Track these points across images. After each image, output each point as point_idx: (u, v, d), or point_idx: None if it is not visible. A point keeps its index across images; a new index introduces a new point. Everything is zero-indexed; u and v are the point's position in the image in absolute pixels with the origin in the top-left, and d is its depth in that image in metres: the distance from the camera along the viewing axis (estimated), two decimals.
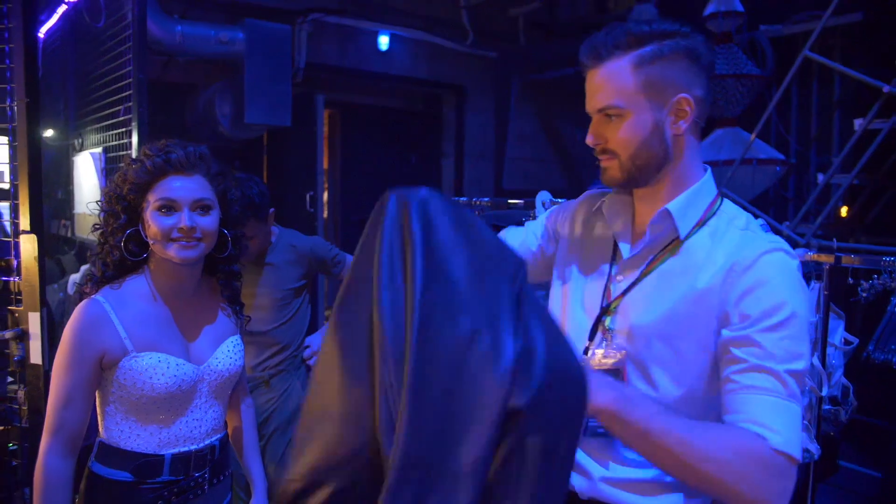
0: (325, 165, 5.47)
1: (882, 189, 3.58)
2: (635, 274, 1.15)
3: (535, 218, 2.64)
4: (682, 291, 1.09)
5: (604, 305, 1.17)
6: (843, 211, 4.43)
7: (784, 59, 4.85)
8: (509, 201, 2.91)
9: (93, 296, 1.37)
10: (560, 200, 2.67)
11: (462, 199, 3.13)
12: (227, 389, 1.50)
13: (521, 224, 2.62)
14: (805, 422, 1.76)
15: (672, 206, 1.11)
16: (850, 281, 1.85)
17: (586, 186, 5.77)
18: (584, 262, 1.25)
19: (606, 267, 1.20)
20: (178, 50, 4.20)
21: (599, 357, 1.14)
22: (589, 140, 1.15)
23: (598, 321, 1.17)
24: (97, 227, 1.43)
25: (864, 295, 1.74)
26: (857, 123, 3.18)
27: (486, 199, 2.99)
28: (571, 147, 6.81)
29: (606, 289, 1.18)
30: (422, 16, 5.69)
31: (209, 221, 1.39)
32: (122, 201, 1.38)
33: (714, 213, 1.14)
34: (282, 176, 5.22)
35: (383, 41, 5.51)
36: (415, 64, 5.79)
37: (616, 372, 1.12)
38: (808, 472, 1.91)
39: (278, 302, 2.25)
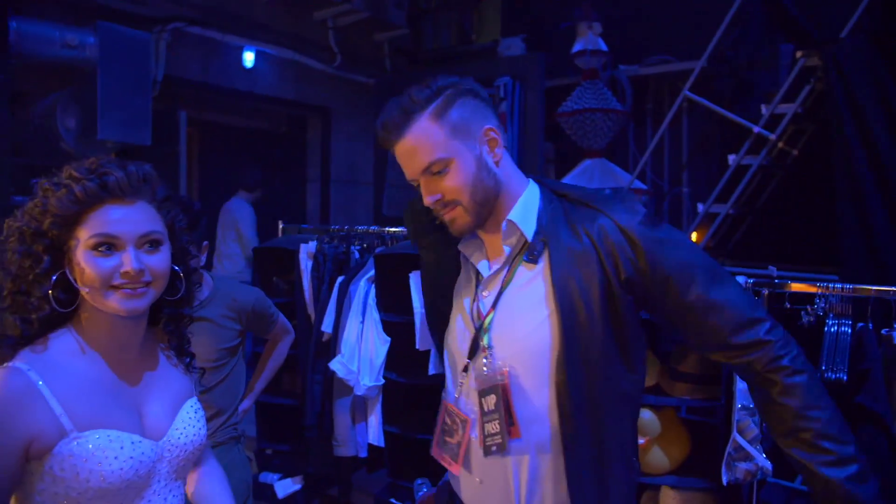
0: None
1: (741, 217, 3.98)
2: (497, 287, 1.21)
3: None
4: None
5: (477, 326, 1.22)
6: (694, 236, 4.85)
7: (639, 95, 5.26)
8: None
9: (10, 363, 1.01)
10: None
11: (372, 227, 2.94)
12: (188, 467, 1.18)
13: None
14: (759, 442, 1.81)
15: (512, 215, 1.20)
16: (787, 306, 1.95)
17: None
18: (459, 292, 1.32)
19: (473, 288, 1.27)
20: (13, 51, 3.59)
21: (480, 373, 1.19)
22: (428, 200, 1.19)
23: (475, 339, 1.21)
24: (7, 270, 1.07)
25: (808, 318, 1.85)
26: (731, 159, 3.49)
27: (400, 228, 2.83)
28: None
29: (476, 308, 1.24)
30: (289, 34, 5.41)
31: (160, 260, 1.08)
32: (43, 239, 1.04)
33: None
34: None
35: (248, 58, 5.15)
36: (281, 84, 5.49)
37: (501, 388, 1.16)
38: (752, 488, 1.98)
39: (213, 363, 1.89)
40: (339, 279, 2.73)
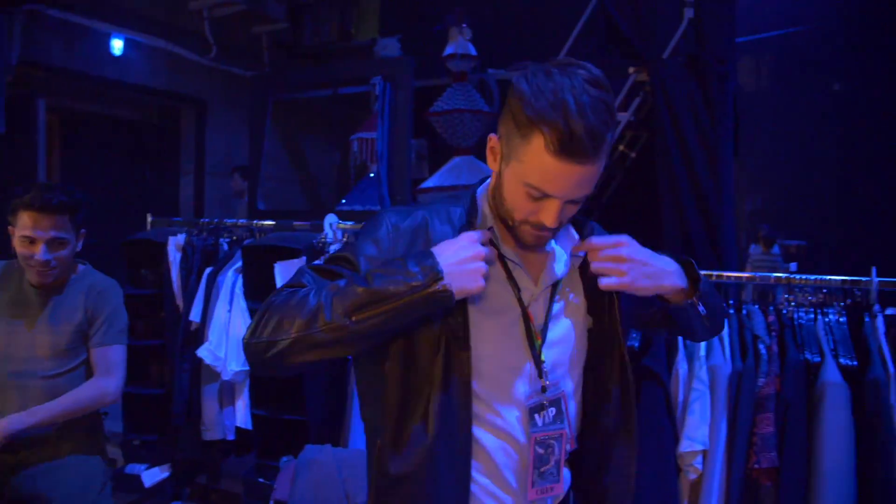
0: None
1: (587, 213, 4.38)
2: (545, 302, 1.15)
3: (325, 241, 2.71)
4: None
5: (531, 341, 1.13)
6: None
7: (505, 98, 5.60)
8: (294, 223, 2.92)
9: None
10: (349, 224, 2.77)
11: (240, 221, 3.05)
12: None
13: (316, 248, 2.67)
14: None
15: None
16: None
17: (329, 208, 5.85)
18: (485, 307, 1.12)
19: (516, 305, 1.13)
20: None
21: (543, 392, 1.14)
22: (554, 223, 1.04)
23: (537, 360, 1.13)
24: None
25: None
26: None
27: (268, 221, 2.96)
28: (314, 168, 6.93)
29: (527, 324, 1.13)
30: (162, 23, 5.32)
31: None
32: None
33: None
34: None
35: (117, 45, 5.01)
36: (152, 73, 5.38)
37: (556, 402, 1.14)
38: None
39: (65, 345, 1.92)
40: (208, 270, 2.82)
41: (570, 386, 1.17)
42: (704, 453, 1.84)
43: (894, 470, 1.71)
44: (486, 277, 1.05)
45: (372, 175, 5.15)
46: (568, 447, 1.16)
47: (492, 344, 1.10)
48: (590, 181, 1.02)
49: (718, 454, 1.85)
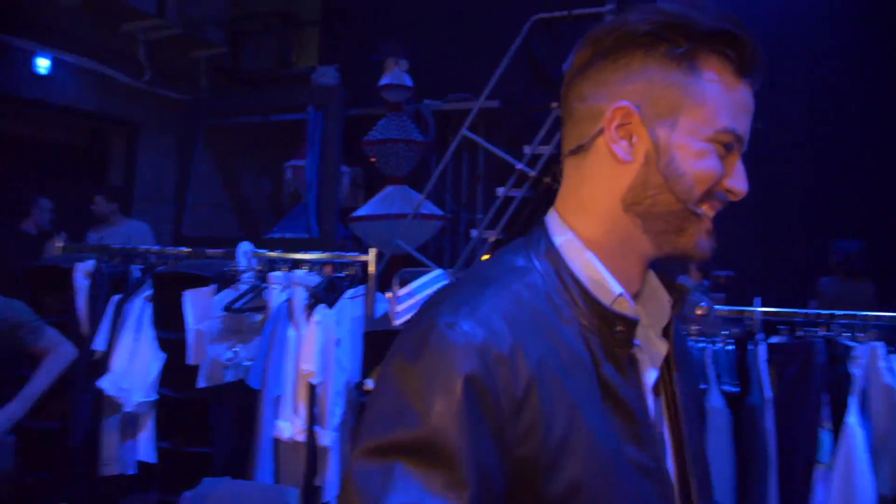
0: None
1: (509, 240, 4.47)
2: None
3: (236, 270, 2.66)
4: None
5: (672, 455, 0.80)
6: (484, 258, 5.32)
7: (441, 129, 5.68)
8: (207, 251, 2.86)
9: None
10: (266, 252, 2.73)
11: (154, 247, 2.98)
12: None
13: (227, 277, 2.62)
14: None
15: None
16: None
17: (263, 234, 5.72)
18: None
19: (646, 403, 0.77)
20: None
21: None
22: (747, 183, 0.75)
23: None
24: None
25: None
26: (499, 191, 3.94)
27: (182, 248, 2.89)
28: (250, 195, 6.85)
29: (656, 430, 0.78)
30: (92, 43, 5.21)
31: None
32: None
33: None
34: None
35: (42, 64, 4.89)
36: (80, 94, 5.26)
37: None
38: None
39: None
40: (115, 298, 2.74)
41: None
42: None
43: (767, 490, 1.80)
44: None
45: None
46: None
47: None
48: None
49: None
